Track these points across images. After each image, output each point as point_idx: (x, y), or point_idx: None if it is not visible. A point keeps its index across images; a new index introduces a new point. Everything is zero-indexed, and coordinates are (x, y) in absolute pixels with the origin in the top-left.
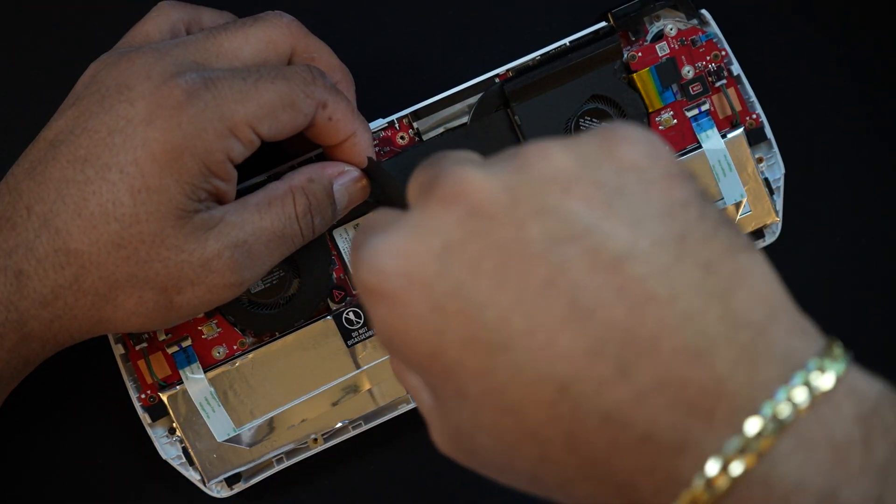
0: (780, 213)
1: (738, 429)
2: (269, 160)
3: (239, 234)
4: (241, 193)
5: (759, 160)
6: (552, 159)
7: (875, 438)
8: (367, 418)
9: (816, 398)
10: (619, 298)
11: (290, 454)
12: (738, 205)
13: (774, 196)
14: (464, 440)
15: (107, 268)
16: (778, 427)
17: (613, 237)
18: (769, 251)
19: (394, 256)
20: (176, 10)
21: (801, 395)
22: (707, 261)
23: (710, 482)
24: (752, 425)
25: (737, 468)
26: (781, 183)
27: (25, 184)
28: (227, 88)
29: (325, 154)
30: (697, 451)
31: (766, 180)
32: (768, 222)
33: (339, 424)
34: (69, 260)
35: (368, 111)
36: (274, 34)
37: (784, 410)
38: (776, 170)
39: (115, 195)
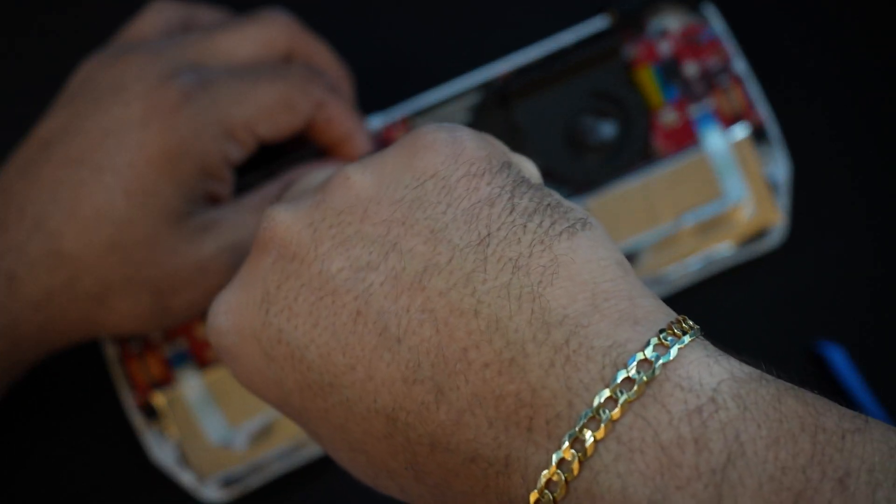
0: (786, 214)
1: (558, 440)
2: (265, 158)
3: (235, 235)
4: (237, 192)
5: (764, 160)
6: (352, 185)
7: (711, 435)
8: None
9: (639, 396)
10: (425, 318)
11: (286, 456)
12: (741, 205)
13: (780, 196)
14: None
15: (101, 271)
16: (597, 433)
17: (411, 254)
18: (775, 253)
19: (226, 313)
20: (170, 7)
21: (622, 394)
22: (514, 259)
23: (539, 500)
24: (570, 435)
25: (558, 483)
26: (787, 183)
27: (17, 184)
28: (225, 90)
29: (323, 152)
30: (523, 466)
31: (772, 180)
32: (774, 223)
33: None
34: (62, 263)
35: (367, 110)
36: (271, 33)
37: (603, 414)
38: (782, 169)
39: (110, 197)
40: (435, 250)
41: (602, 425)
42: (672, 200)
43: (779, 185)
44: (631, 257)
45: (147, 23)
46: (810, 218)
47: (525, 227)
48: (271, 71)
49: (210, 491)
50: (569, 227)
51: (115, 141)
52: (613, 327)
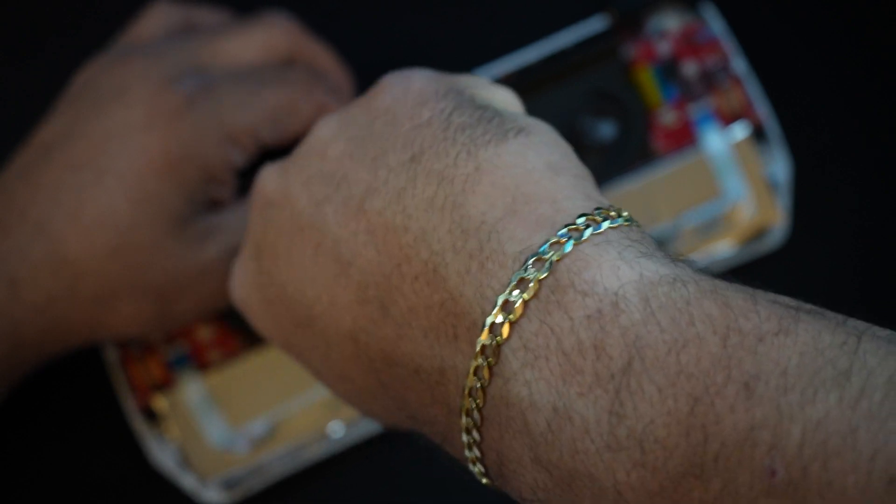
0: (787, 214)
1: (474, 346)
2: (268, 159)
3: (236, 239)
4: (239, 194)
5: (764, 160)
6: (318, 131)
7: (612, 340)
8: (367, 421)
9: (535, 294)
10: (368, 240)
11: (288, 458)
12: (741, 205)
13: (780, 196)
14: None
15: (103, 276)
16: (499, 338)
17: (356, 182)
18: (775, 253)
19: (234, 275)
20: (172, 9)
21: (519, 295)
22: (440, 172)
23: (468, 407)
24: (480, 341)
25: (478, 390)
26: (788, 183)
27: (19, 188)
28: (227, 95)
29: None
30: (454, 375)
31: (772, 180)
32: (774, 223)
33: (338, 427)
34: (64, 267)
35: None
36: (273, 37)
37: (501, 320)
38: (782, 169)
39: (112, 202)
40: (375, 175)
41: (504, 329)
42: (672, 200)
43: (779, 185)
44: None
45: (149, 24)
46: (810, 218)
47: (454, 139)
48: (273, 75)
49: (211, 493)
50: (499, 134)
51: (118, 145)
52: (529, 231)
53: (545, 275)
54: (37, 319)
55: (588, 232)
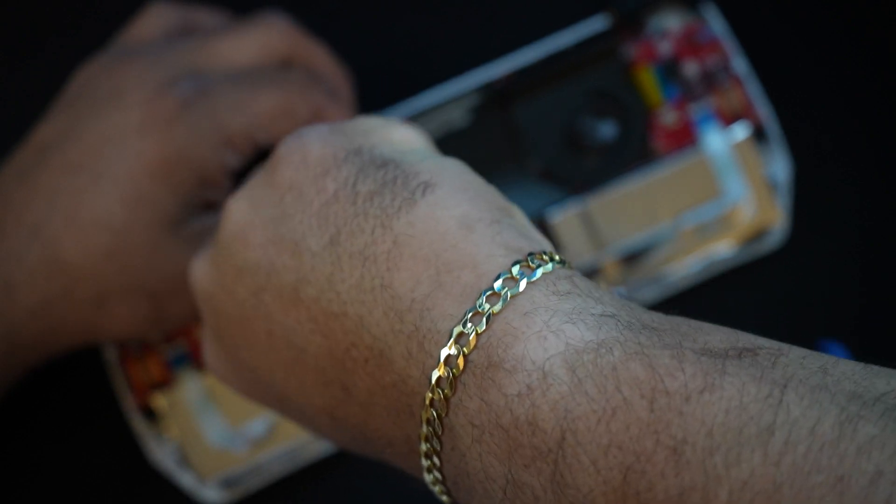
0: (787, 214)
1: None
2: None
3: None
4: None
5: (764, 160)
6: (232, 216)
7: (543, 415)
8: None
9: (461, 371)
10: (313, 327)
11: (287, 457)
12: (741, 205)
13: (780, 196)
14: None
15: (99, 278)
16: (443, 413)
17: (285, 270)
18: (775, 253)
19: (208, 354)
20: (169, 10)
21: (450, 371)
22: (361, 252)
23: (436, 477)
24: (428, 419)
25: (437, 464)
26: (789, 183)
27: (15, 191)
28: (223, 98)
29: None
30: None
31: (772, 180)
32: (774, 223)
33: None
34: (60, 270)
35: (367, 110)
36: (270, 38)
37: (440, 396)
38: (783, 169)
39: (108, 205)
40: (300, 261)
41: (444, 405)
42: (672, 200)
43: (779, 185)
44: (631, 257)
45: (146, 25)
46: (810, 218)
47: (366, 213)
48: (270, 78)
49: (210, 492)
50: (407, 198)
51: (114, 148)
52: (455, 304)
53: (472, 350)
54: (32, 322)
55: (510, 293)
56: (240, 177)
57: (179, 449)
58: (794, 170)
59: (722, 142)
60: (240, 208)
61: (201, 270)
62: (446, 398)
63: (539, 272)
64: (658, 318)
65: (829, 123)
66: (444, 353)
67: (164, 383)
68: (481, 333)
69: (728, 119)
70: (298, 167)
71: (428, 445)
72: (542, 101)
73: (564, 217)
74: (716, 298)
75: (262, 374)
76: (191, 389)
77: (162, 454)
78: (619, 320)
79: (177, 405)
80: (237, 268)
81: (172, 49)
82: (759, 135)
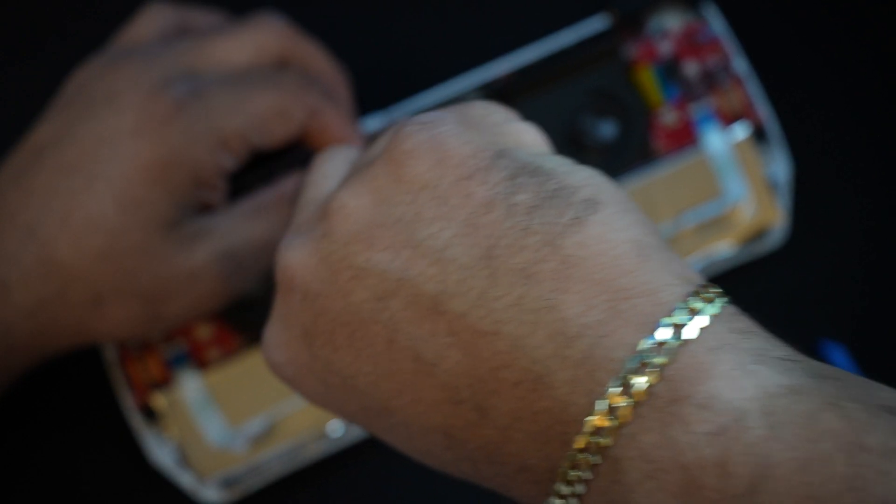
0: (787, 214)
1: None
2: (259, 160)
3: (227, 243)
4: (231, 192)
5: (764, 160)
6: (350, 213)
7: (735, 458)
8: None
9: (653, 410)
10: (452, 342)
11: (287, 457)
12: (741, 205)
13: (780, 196)
14: None
15: (93, 279)
16: (616, 449)
17: (423, 279)
18: (775, 253)
19: (277, 347)
20: (165, 10)
21: (625, 406)
22: (523, 270)
23: None
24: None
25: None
26: (789, 183)
27: (10, 192)
28: (218, 99)
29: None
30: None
31: (772, 180)
32: (774, 223)
33: (337, 426)
34: (54, 271)
35: (366, 110)
36: (266, 39)
37: (611, 425)
38: (782, 169)
39: (102, 207)
40: (444, 272)
41: (612, 436)
42: (672, 200)
43: (779, 185)
44: None
45: (142, 27)
46: (810, 218)
47: (527, 228)
48: (265, 79)
49: (210, 492)
50: (574, 217)
51: (109, 150)
52: (633, 333)
53: (657, 382)
54: (27, 323)
55: (694, 327)
56: (235, 179)
57: (179, 448)
58: (794, 170)
59: (722, 142)
60: (361, 204)
61: (303, 265)
62: (618, 428)
63: (716, 303)
64: (829, 369)
65: (829, 123)
66: (633, 382)
67: (164, 382)
68: (667, 366)
69: (728, 119)
70: (434, 165)
71: (577, 474)
72: (543, 101)
73: None
74: None
75: (359, 383)
76: (190, 389)
77: (161, 454)
78: (802, 366)
79: (176, 404)
80: (358, 268)
81: (167, 50)
82: (759, 135)
